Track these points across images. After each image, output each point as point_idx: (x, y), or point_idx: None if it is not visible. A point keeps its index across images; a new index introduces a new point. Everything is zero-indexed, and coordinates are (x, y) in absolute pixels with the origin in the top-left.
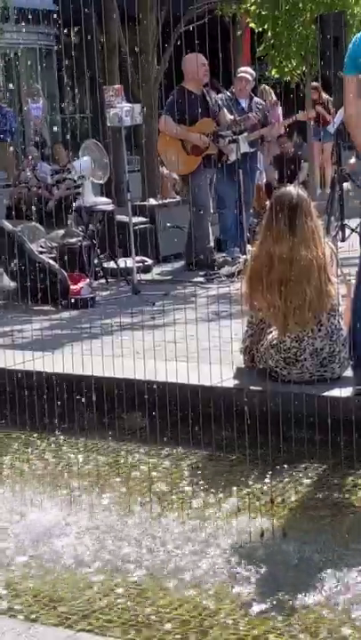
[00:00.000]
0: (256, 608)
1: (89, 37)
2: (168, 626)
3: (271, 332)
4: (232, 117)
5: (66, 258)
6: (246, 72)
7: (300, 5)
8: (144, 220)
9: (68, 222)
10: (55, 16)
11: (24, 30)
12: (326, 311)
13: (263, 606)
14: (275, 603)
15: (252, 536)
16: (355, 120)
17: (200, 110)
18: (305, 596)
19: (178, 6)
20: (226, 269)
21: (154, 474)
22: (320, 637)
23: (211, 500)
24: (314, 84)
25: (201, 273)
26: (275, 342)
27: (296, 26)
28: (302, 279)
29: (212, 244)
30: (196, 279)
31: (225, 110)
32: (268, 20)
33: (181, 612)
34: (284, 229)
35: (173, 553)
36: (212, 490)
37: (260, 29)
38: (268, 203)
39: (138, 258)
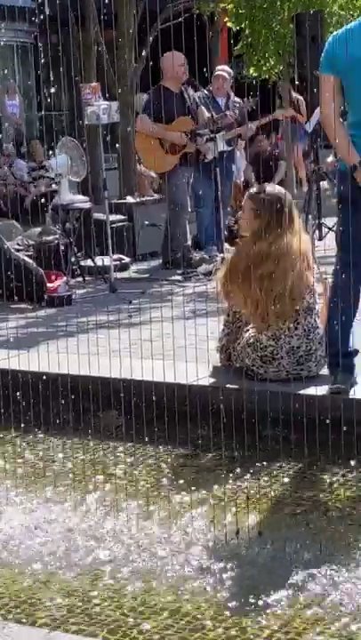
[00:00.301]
0: (231, 608)
1: (67, 35)
2: (146, 626)
3: (248, 330)
4: (209, 115)
5: (43, 256)
6: (224, 70)
7: (278, 4)
8: (121, 217)
9: (46, 220)
10: (32, 13)
11: (2, 27)
12: (304, 298)
13: (238, 606)
14: (249, 602)
15: (228, 535)
16: (330, 119)
17: (178, 109)
18: (280, 595)
19: (155, 4)
20: (203, 267)
21: (131, 472)
22: (296, 637)
23: (186, 499)
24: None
25: (178, 271)
26: (251, 341)
27: (273, 24)
28: (286, 266)
29: (189, 242)
30: (173, 277)
31: (203, 108)
32: (245, 19)
33: (156, 610)
34: (270, 223)
35: (148, 552)
36: (188, 488)
37: (238, 28)
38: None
39: (115, 256)
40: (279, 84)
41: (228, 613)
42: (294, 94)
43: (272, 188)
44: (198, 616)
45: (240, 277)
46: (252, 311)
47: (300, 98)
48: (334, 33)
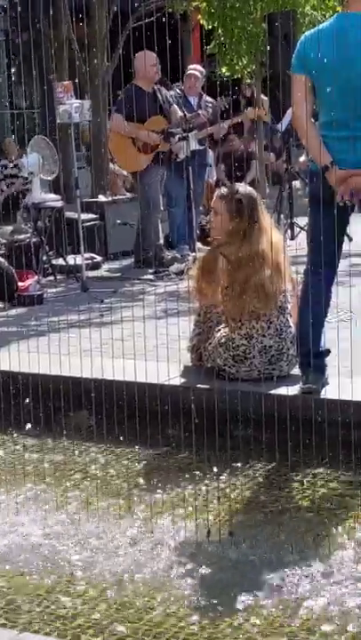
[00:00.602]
0: (203, 609)
1: (39, 32)
2: (120, 628)
3: (219, 330)
4: (182, 114)
5: (14, 254)
6: (196, 69)
7: (251, 3)
8: (93, 216)
9: (17, 219)
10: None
11: None
12: (284, 287)
13: (210, 607)
14: (221, 603)
15: (199, 535)
16: (302, 120)
17: (151, 108)
18: (252, 595)
19: (127, 2)
20: (175, 267)
21: (100, 472)
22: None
23: (157, 499)
24: (248, 81)
25: (150, 270)
26: (223, 340)
27: (246, 24)
28: (261, 266)
29: (161, 241)
30: (145, 277)
31: (175, 107)
32: (217, 18)
33: (125, 614)
34: (246, 224)
35: (117, 553)
36: (159, 488)
37: (210, 27)
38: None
39: (87, 255)
40: (243, 85)
41: (199, 614)
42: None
43: (244, 188)
44: (170, 617)
45: (214, 277)
46: (227, 309)
47: (265, 98)
48: (306, 33)
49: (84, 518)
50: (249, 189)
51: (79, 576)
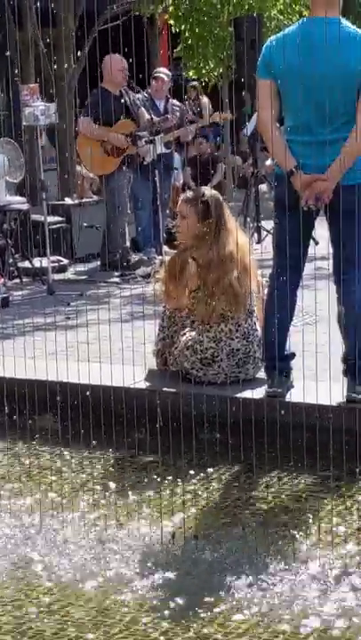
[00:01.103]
0: (167, 613)
1: (4, 34)
2: (71, 632)
3: (185, 334)
4: (149, 118)
5: None
6: (163, 73)
7: (218, 7)
8: (60, 219)
9: None
10: None
11: None
12: (250, 290)
13: (175, 611)
14: (185, 607)
15: (164, 539)
16: (267, 124)
17: (119, 111)
18: (216, 599)
19: (93, 5)
20: (142, 270)
21: (65, 475)
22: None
23: (122, 503)
24: (194, 83)
25: (116, 273)
26: (190, 343)
27: (213, 27)
28: (229, 268)
29: (127, 243)
30: (111, 279)
31: (143, 110)
32: (185, 21)
33: (87, 618)
34: (214, 227)
35: (84, 557)
36: (123, 491)
37: (178, 30)
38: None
39: (53, 257)
40: (189, 88)
41: (164, 619)
42: (205, 99)
43: (209, 191)
44: (135, 623)
45: (182, 280)
46: (197, 312)
47: (205, 100)
48: (271, 38)
49: (48, 521)
50: (214, 192)
51: (44, 576)
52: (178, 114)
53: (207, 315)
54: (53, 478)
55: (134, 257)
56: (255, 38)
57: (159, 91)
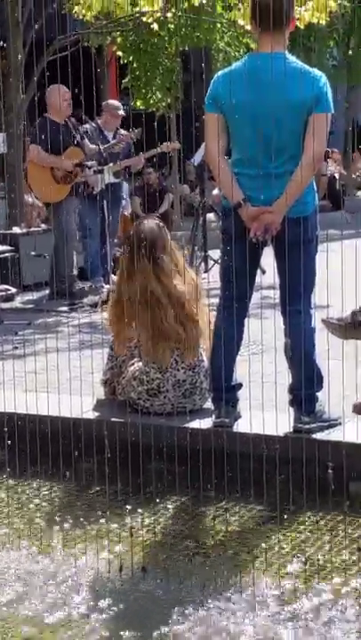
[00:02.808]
0: None
1: None
2: None
3: (133, 364)
4: (96, 147)
5: None
6: (113, 104)
7: (166, 39)
8: (8, 248)
9: None
10: None
11: None
12: (188, 344)
13: None
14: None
15: (111, 571)
16: (214, 157)
17: (65, 140)
18: (163, 630)
19: (43, 34)
20: (89, 299)
21: (11, 507)
22: None
23: (68, 534)
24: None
25: (65, 302)
26: (137, 374)
27: (161, 58)
28: (159, 311)
29: (75, 272)
30: (59, 308)
31: (87, 141)
32: (133, 52)
33: None
34: (140, 265)
35: (28, 590)
36: (70, 523)
37: (126, 61)
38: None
39: (1, 287)
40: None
41: None
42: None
43: (143, 223)
44: None
45: (121, 314)
46: (139, 344)
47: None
48: (218, 73)
49: None
50: (147, 225)
51: None
52: (124, 143)
53: (157, 357)
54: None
55: (81, 285)
56: (203, 70)
57: (109, 122)
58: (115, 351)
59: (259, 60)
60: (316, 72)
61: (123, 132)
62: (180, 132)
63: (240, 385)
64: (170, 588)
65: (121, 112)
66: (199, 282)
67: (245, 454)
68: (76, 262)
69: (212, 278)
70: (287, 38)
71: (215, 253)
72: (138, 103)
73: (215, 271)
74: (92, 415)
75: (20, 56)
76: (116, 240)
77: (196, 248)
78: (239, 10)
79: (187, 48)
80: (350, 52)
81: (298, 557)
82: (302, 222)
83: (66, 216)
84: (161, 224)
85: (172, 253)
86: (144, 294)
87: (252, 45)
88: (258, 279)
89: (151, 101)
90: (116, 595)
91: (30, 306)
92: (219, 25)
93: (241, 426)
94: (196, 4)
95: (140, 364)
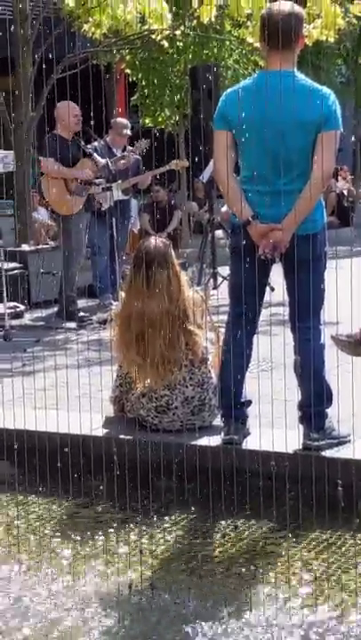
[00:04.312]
0: None
1: None
2: None
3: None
4: (104, 162)
5: None
6: (121, 122)
7: (175, 56)
8: (16, 265)
9: None
10: None
11: None
12: (179, 364)
13: None
14: None
15: (121, 588)
16: (223, 174)
17: (76, 154)
18: None
19: (52, 52)
20: (98, 316)
21: (21, 524)
22: None
23: (78, 551)
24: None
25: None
26: (146, 391)
27: (170, 76)
28: (155, 332)
29: (75, 292)
30: (68, 325)
31: (95, 155)
32: (142, 70)
33: None
34: (139, 284)
35: (38, 608)
36: (80, 540)
37: (135, 78)
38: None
39: (10, 304)
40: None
41: None
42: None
43: (149, 242)
44: None
45: (126, 332)
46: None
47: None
48: (227, 91)
49: (3, 571)
50: (153, 244)
51: None
52: (132, 154)
53: (140, 375)
54: (10, 525)
55: (89, 303)
56: (212, 87)
57: (117, 140)
58: (123, 368)
59: (268, 78)
60: (325, 90)
61: (130, 148)
62: (190, 149)
63: (249, 402)
64: (179, 605)
65: (127, 132)
66: (205, 300)
67: (255, 472)
68: (77, 281)
69: (221, 295)
70: (296, 56)
71: (224, 270)
72: (146, 121)
73: (224, 288)
74: (101, 432)
75: (29, 74)
76: (124, 257)
77: (204, 265)
78: (247, 27)
79: (195, 65)
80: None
81: (307, 575)
82: (311, 239)
83: (75, 232)
84: (167, 242)
85: (172, 271)
86: (147, 314)
87: (261, 63)
88: (267, 296)
89: (160, 119)
90: (125, 611)
91: (39, 323)
92: (227, 42)
93: (250, 443)
94: (205, 21)
95: (148, 380)
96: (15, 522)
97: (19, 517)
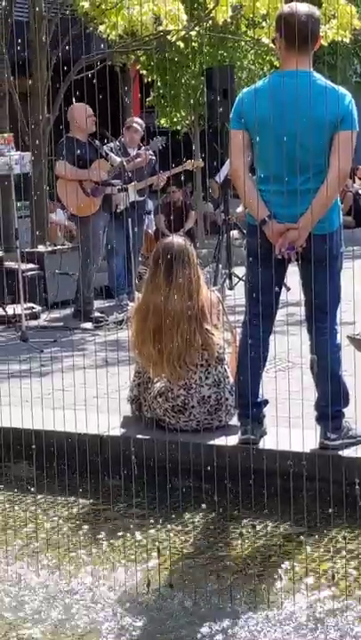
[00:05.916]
0: None
1: None
2: None
3: (158, 380)
4: (120, 162)
5: None
6: (136, 122)
7: (190, 57)
8: (33, 266)
9: None
10: None
11: None
12: (195, 363)
13: None
14: None
15: (139, 587)
16: (239, 174)
17: (92, 156)
18: None
19: (69, 54)
20: (115, 316)
21: (40, 523)
22: None
23: (96, 550)
24: None
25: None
26: (162, 390)
27: (185, 77)
28: (172, 329)
29: (92, 293)
30: (84, 326)
31: (112, 155)
32: (157, 71)
33: None
34: (160, 280)
35: (56, 606)
36: (99, 539)
37: (150, 79)
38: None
39: (26, 305)
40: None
41: None
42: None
43: (170, 239)
44: None
45: (141, 331)
46: (150, 370)
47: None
48: (243, 90)
49: (22, 568)
50: (174, 241)
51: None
52: (148, 151)
53: (176, 376)
54: (29, 525)
55: (105, 304)
56: (227, 88)
57: (132, 140)
58: (141, 367)
59: (284, 78)
60: (342, 90)
61: (145, 147)
62: (206, 149)
63: (266, 401)
64: (198, 605)
65: (137, 126)
66: (222, 300)
67: (272, 471)
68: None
69: (237, 295)
70: (312, 56)
71: (239, 270)
72: (162, 121)
73: (240, 288)
74: (118, 432)
75: (45, 76)
76: (140, 258)
77: (220, 266)
78: (262, 28)
79: (211, 66)
80: None
81: (325, 574)
82: (327, 239)
83: (92, 234)
84: (188, 240)
85: (193, 270)
86: (165, 311)
87: (276, 63)
88: (283, 296)
89: (175, 119)
90: (142, 612)
91: (56, 324)
92: (243, 43)
93: (267, 442)
94: (220, 22)
95: (165, 380)
96: (36, 521)
97: (37, 517)
